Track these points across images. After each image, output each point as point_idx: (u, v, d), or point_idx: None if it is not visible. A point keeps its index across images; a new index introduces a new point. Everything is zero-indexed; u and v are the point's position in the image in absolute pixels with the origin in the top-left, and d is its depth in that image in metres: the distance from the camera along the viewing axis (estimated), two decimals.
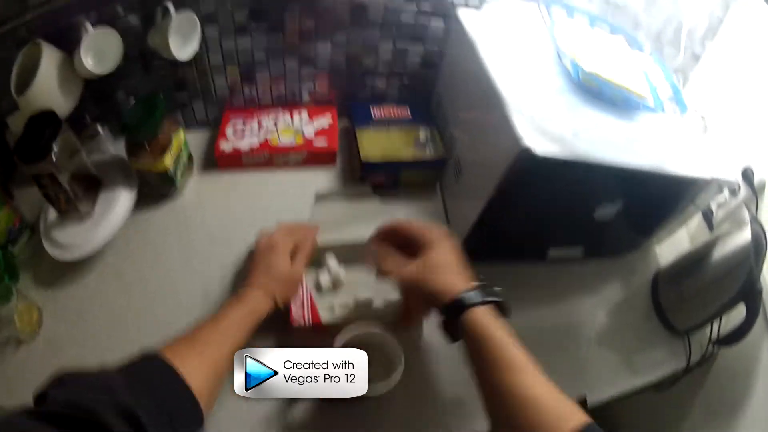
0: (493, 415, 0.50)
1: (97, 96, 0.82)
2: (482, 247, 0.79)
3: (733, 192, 0.76)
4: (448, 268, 0.57)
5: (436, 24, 0.86)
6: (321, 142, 0.90)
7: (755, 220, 0.69)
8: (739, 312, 0.69)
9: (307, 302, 0.70)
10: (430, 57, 0.91)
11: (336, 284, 0.75)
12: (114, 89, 0.84)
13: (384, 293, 0.72)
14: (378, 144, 0.85)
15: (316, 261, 0.75)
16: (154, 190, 0.82)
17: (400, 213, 0.83)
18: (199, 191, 0.87)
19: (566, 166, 0.58)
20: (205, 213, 0.84)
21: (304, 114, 0.94)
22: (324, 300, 0.72)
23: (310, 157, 0.90)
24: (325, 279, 0.74)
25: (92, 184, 0.77)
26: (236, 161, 0.88)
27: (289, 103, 0.96)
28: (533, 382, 0.48)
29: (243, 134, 0.90)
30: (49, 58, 0.68)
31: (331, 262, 0.74)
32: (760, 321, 0.69)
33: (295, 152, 0.89)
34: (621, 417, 0.97)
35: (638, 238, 0.86)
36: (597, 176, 0.61)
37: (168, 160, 0.78)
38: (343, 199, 0.84)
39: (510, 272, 0.79)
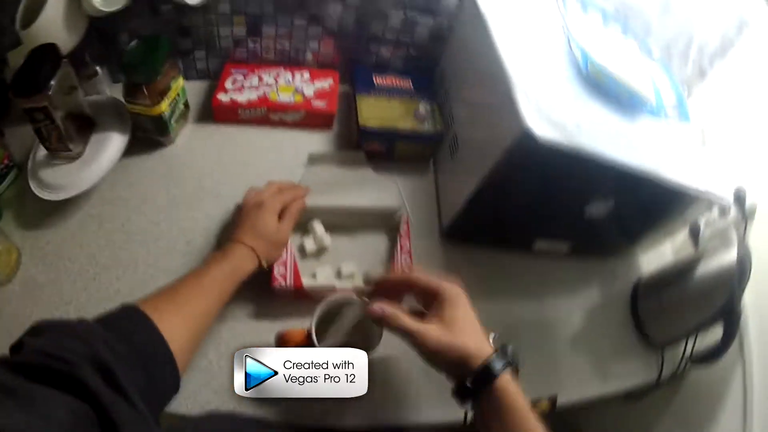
0: None
1: (100, 36, 0.80)
2: (470, 228, 0.79)
3: (723, 212, 0.75)
4: (470, 327, 0.51)
5: None
6: (320, 104, 0.88)
7: (743, 243, 0.69)
8: (715, 334, 0.69)
9: (291, 265, 0.69)
10: (439, 30, 0.89)
11: (320, 251, 0.75)
12: (118, 30, 0.82)
13: (367, 265, 0.73)
14: (377, 112, 0.83)
15: (303, 224, 0.75)
16: (148, 134, 0.80)
17: (391, 183, 0.82)
18: (192, 141, 0.86)
19: (565, 156, 0.58)
20: (196, 164, 0.83)
21: (306, 74, 0.92)
22: (307, 265, 0.72)
23: (307, 117, 0.89)
24: (309, 244, 0.74)
25: (85, 125, 0.76)
26: (233, 114, 0.87)
27: (292, 62, 0.94)
28: None
29: (242, 88, 0.88)
30: None
31: (318, 228, 0.74)
32: (735, 344, 0.69)
33: (293, 110, 0.87)
34: (588, 426, 0.97)
35: (625, 242, 0.86)
36: (593, 171, 0.61)
37: (164, 105, 0.77)
38: (336, 164, 0.83)
39: (494, 258, 0.80)
